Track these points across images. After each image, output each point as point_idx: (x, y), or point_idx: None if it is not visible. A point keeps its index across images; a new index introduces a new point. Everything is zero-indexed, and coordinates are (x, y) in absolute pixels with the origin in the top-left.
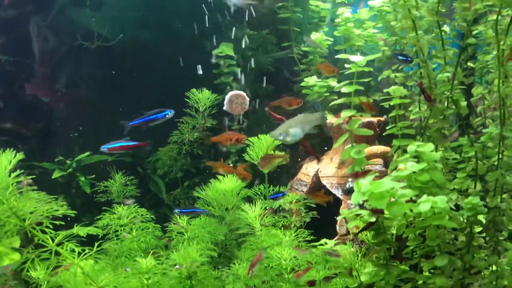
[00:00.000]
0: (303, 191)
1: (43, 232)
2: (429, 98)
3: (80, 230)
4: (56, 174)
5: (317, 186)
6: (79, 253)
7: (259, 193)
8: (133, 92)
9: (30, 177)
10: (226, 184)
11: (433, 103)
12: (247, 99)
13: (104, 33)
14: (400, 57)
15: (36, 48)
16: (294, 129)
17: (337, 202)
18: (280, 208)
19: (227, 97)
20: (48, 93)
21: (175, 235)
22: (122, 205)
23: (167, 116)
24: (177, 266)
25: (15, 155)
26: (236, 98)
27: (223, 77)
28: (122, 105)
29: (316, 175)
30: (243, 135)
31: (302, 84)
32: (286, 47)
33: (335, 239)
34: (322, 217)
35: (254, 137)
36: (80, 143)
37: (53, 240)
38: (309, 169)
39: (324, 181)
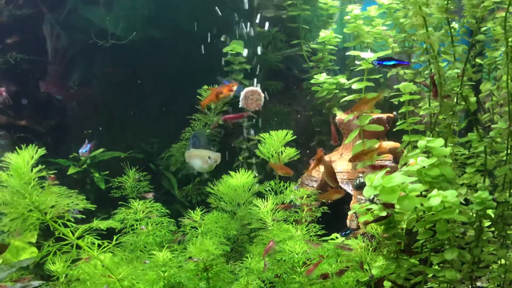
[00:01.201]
0: (314, 187)
1: (65, 225)
2: (436, 93)
3: (100, 224)
4: (71, 170)
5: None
6: (99, 246)
7: (270, 188)
8: (145, 90)
9: (52, 172)
10: (238, 179)
11: (438, 98)
12: (263, 95)
13: (117, 32)
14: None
15: (50, 46)
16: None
17: (348, 197)
18: (292, 203)
19: (242, 93)
20: (61, 91)
21: (189, 230)
22: (140, 199)
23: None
24: (195, 259)
25: (37, 151)
26: (252, 95)
27: (233, 74)
28: (134, 102)
29: None
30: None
31: (312, 81)
32: (295, 44)
33: None
34: (332, 213)
35: (265, 134)
36: (94, 139)
37: (73, 234)
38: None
39: None
